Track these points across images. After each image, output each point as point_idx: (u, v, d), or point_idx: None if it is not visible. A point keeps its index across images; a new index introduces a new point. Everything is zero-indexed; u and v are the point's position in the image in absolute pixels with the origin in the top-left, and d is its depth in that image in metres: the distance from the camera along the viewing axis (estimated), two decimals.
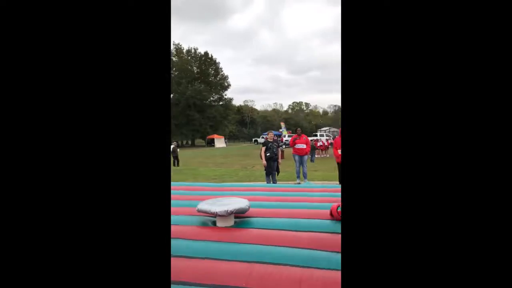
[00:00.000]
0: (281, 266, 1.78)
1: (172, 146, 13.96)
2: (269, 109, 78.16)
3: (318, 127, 56.73)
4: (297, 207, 3.09)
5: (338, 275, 1.61)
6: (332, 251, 1.91)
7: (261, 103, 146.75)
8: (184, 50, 50.02)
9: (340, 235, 2.17)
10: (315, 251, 1.91)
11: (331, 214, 2.59)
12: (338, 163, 6.48)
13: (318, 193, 3.85)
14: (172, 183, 5.44)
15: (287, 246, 2.00)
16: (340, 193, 3.73)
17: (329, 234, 2.21)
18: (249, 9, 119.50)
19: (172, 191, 4.02)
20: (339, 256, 1.82)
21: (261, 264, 1.82)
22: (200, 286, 1.64)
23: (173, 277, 1.60)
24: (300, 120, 69.18)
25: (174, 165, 13.37)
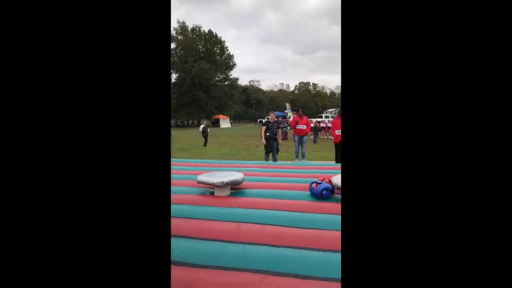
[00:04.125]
0: (264, 225, 2.20)
1: (202, 126, 13.66)
2: (276, 89, 77.28)
3: (324, 108, 56.23)
4: (285, 181, 3.52)
5: (306, 231, 2.03)
6: (304, 212, 2.33)
7: (267, 83, 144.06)
8: (189, 28, 49.40)
9: (312, 202, 2.59)
10: (292, 212, 2.33)
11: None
12: (335, 144, 6.80)
13: (308, 170, 4.28)
14: (178, 159, 5.89)
15: (268, 209, 2.42)
16: (329, 171, 4.13)
17: (304, 201, 2.65)
18: None
19: (177, 167, 4.46)
20: (309, 215, 2.24)
21: (248, 224, 2.24)
22: (196, 239, 2.07)
23: (173, 232, 2.01)
24: (307, 101, 68.07)
25: (204, 145, 12.92)
